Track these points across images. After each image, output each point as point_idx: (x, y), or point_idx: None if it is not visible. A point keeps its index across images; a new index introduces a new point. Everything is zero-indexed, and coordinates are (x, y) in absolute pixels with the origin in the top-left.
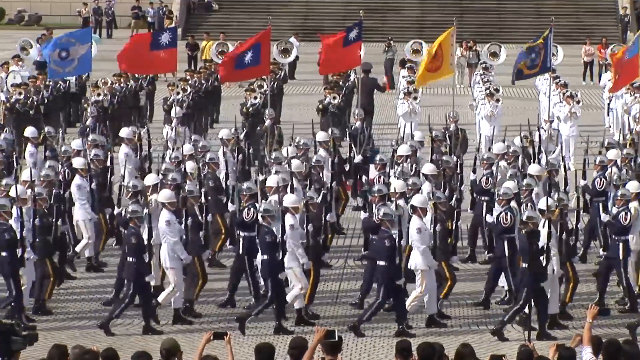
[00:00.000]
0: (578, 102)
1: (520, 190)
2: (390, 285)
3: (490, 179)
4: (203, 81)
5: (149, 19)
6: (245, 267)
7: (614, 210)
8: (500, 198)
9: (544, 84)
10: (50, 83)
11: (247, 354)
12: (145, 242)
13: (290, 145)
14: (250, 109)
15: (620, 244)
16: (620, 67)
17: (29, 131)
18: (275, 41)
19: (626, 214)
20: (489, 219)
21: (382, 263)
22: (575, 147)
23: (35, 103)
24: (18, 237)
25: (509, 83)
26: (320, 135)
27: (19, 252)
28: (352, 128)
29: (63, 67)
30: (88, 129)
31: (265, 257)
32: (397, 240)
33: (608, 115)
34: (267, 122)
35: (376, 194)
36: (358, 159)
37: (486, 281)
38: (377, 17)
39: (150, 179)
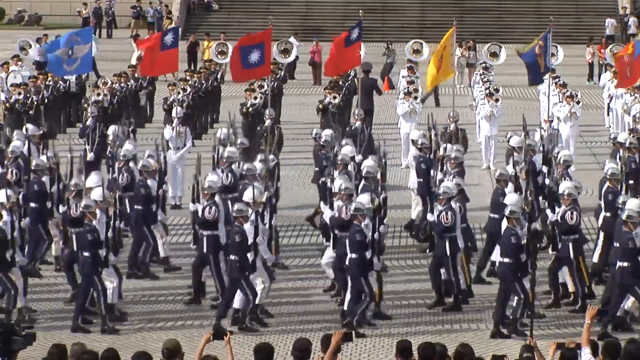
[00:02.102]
0: (578, 102)
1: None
2: (520, 281)
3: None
4: (203, 81)
5: (149, 19)
6: (210, 265)
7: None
8: (441, 197)
9: (543, 84)
10: (51, 83)
11: (247, 354)
12: (250, 241)
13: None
14: (250, 109)
15: (570, 244)
16: (629, 66)
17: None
18: (276, 41)
19: (572, 213)
20: (430, 217)
21: (507, 260)
22: (575, 147)
23: (35, 103)
24: (102, 239)
25: (509, 83)
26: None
27: (102, 252)
28: (352, 128)
29: (69, 65)
30: (88, 129)
31: (354, 255)
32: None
33: (608, 115)
34: (267, 122)
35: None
36: (358, 158)
37: (431, 279)
38: (377, 17)
39: (92, 180)
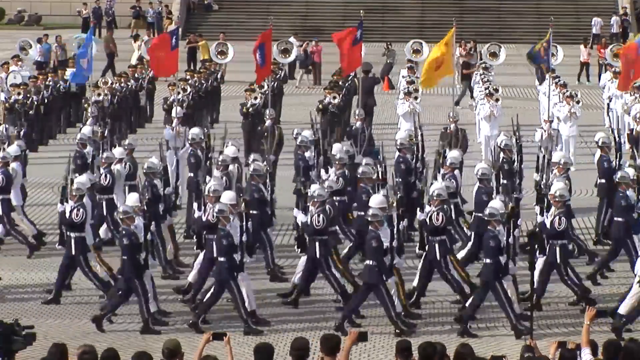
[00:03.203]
0: (578, 102)
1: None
2: None
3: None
4: (203, 81)
5: (149, 19)
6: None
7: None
8: (435, 198)
9: (543, 84)
10: (50, 83)
11: (247, 354)
12: (386, 245)
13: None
14: (250, 109)
15: (437, 244)
16: (630, 65)
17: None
18: (276, 41)
19: (438, 214)
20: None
21: None
22: (575, 147)
23: (35, 103)
24: (237, 243)
25: (509, 83)
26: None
27: (237, 257)
28: (352, 128)
29: (88, 71)
30: None
31: (489, 261)
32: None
33: (608, 115)
34: (267, 122)
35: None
36: (358, 158)
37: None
38: (377, 17)
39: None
